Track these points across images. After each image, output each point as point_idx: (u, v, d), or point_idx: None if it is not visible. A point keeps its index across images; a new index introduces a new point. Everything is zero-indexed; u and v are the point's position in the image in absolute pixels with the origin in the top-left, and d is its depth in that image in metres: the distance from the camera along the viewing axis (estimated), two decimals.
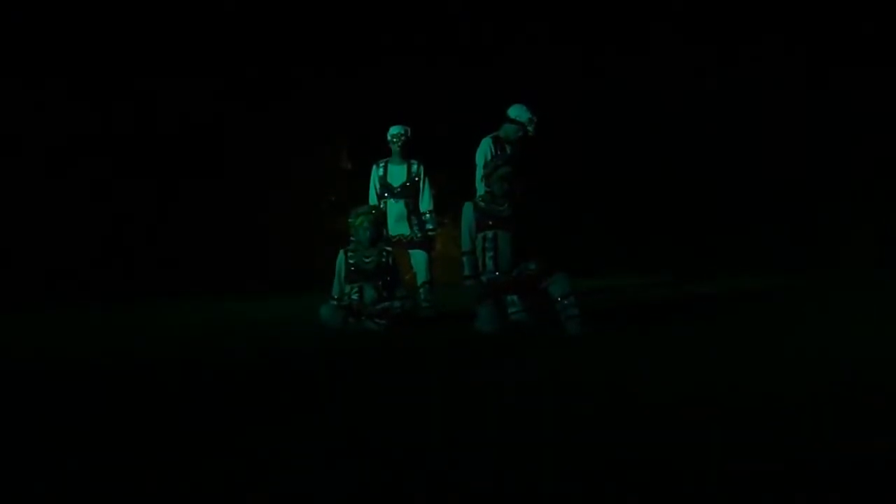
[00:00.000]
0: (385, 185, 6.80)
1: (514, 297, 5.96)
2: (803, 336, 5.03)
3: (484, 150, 6.34)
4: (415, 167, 6.82)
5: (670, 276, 9.89)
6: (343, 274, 5.99)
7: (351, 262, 5.99)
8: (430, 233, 6.84)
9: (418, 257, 6.82)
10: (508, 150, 6.37)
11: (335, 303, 5.96)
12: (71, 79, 9.69)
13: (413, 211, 6.78)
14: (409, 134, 6.85)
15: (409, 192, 6.78)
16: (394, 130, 6.83)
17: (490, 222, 5.58)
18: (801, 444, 2.62)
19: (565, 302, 5.32)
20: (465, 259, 5.61)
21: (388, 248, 6.18)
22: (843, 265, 10.05)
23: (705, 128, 10.92)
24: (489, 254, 5.55)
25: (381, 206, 6.69)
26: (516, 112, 6.44)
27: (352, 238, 6.14)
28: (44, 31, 9.58)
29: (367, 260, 5.98)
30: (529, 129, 6.43)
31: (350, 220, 6.15)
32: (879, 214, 10.59)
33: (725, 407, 3.16)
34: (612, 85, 10.93)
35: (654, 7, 10.98)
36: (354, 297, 5.92)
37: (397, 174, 6.80)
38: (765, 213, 10.88)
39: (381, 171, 6.84)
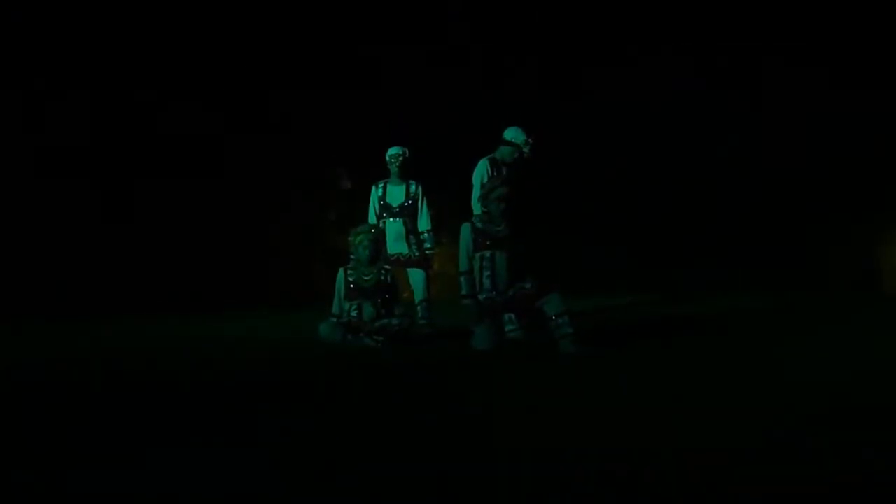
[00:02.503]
0: (384, 205, 6.90)
1: (512, 316, 6.07)
2: (794, 355, 5.13)
3: (481, 172, 6.41)
4: (413, 187, 6.93)
5: (663, 294, 9.98)
6: (343, 291, 6.11)
7: (350, 279, 6.11)
8: (428, 252, 6.93)
9: (416, 276, 6.91)
10: (505, 171, 6.48)
11: (334, 320, 6.07)
12: (75, 91, 9.82)
13: (411, 230, 6.87)
14: (407, 154, 6.96)
15: (407, 212, 6.88)
16: (392, 151, 6.94)
17: (487, 242, 5.65)
18: (792, 462, 2.69)
19: (560, 321, 5.39)
20: (462, 278, 5.66)
21: (387, 267, 6.30)
22: (831, 286, 10.15)
23: (696, 147, 11.03)
24: (486, 273, 5.61)
25: (381, 225, 6.79)
26: (512, 134, 6.55)
27: (351, 256, 6.26)
28: (44, 40, 9.70)
29: (366, 278, 6.09)
30: (525, 150, 6.54)
31: (350, 239, 6.28)
32: (868, 236, 10.70)
33: (717, 420, 3.25)
34: (603, 102, 11.04)
35: (643, 20, 11.09)
36: (353, 314, 6.03)
37: (396, 194, 6.91)
38: (755, 232, 10.97)
39: (380, 192, 6.95)
